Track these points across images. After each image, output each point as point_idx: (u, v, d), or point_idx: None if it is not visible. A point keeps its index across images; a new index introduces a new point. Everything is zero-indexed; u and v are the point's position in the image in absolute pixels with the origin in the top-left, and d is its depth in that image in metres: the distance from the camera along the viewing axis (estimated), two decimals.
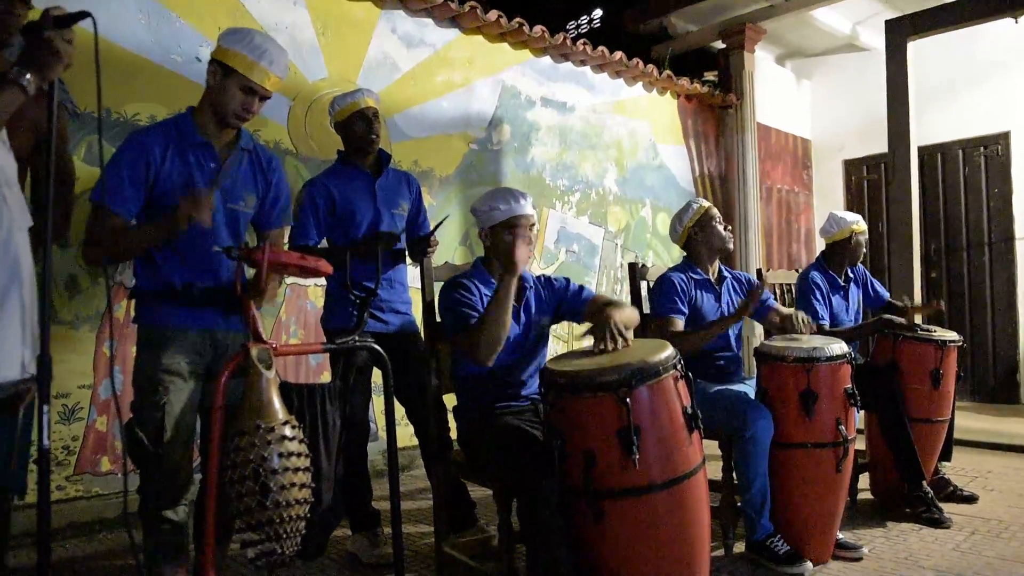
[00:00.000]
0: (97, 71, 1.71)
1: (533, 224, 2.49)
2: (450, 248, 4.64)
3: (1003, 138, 6.50)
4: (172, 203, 2.05)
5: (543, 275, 2.69)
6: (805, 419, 2.75)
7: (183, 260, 2.09)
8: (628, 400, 2.00)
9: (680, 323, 3.03)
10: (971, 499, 3.56)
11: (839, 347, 2.84)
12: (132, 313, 2.20)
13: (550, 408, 2.18)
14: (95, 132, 3.32)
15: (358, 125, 2.97)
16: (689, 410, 2.13)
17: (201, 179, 2.10)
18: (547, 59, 5.40)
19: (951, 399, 3.63)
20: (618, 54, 5.60)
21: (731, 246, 3.25)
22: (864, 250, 3.87)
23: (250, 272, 1.93)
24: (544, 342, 2.63)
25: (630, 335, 2.33)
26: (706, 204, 3.25)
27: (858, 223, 3.82)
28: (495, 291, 2.34)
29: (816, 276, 3.79)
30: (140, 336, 2.11)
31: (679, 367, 2.15)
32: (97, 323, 3.34)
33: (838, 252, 3.84)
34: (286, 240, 3.01)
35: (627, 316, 2.42)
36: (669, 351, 2.15)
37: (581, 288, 2.64)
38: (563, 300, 2.62)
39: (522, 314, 2.54)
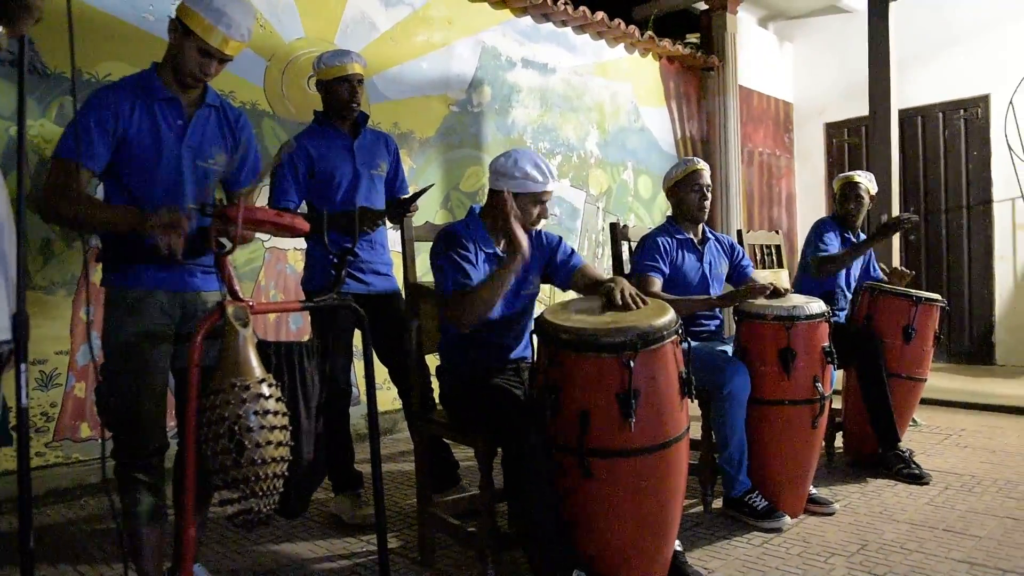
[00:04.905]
0: (70, 29, 1.67)
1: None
2: (431, 210, 4.61)
3: (982, 101, 6.53)
4: (139, 159, 2.01)
5: (534, 230, 2.64)
6: (783, 376, 2.78)
7: (151, 215, 2.05)
8: (632, 363, 2.00)
9: (658, 282, 3.04)
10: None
11: (817, 306, 2.86)
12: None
13: (547, 362, 2.15)
14: (66, 93, 3.26)
15: (342, 89, 2.92)
16: (684, 375, 2.14)
17: (168, 134, 2.06)
18: (528, 19, 5.33)
19: (926, 358, 3.65)
20: (600, 15, 5.54)
21: (701, 216, 3.20)
22: (865, 203, 3.88)
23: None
24: (532, 306, 2.60)
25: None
26: (696, 167, 3.18)
27: (851, 175, 3.93)
28: (502, 269, 2.28)
29: (832, 225, 3.87)
30: (108, 299, 2.07)
31: (679, 332, 2.15)
32: (73, 288, 3.31)
33: (838, 207, 3.93)
34: (262, 203, 2.99)
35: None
36: (671, 315, 2.15)
37: (572, 253, 2.59)
38: (552, 260, 2.57)
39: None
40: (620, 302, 2.23)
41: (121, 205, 2.05)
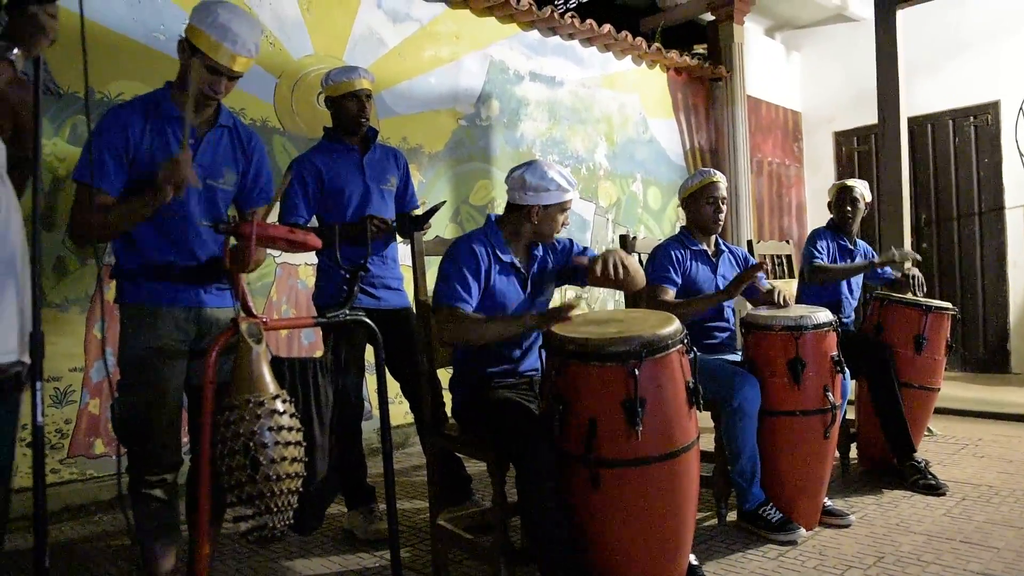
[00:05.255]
0: (83, 49, 1.69)
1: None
2: (441, 225, 4.62)
3: (992, 108, 6.50)
4: (151, 178, 2.03)
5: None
6: (794, 387, 2.76)
7: (163, 238, 2.07)
8: (637, 372, 2.00)
9: (670, 292, 3.04)
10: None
11: (825, 315, 2.86)
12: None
13: (555, 373, 2.16)
14: (79, 112, 3.29)
15: (350, 105, 2.94)
16: (691, 385, 2.14)
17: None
18: (535, 33, 5.36)
19: (939, 368, 3.61)
20: (607, 27, 5.56)
21: (715, 228, 3.19)
22: (860, 208, 3.91)
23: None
24: None
25: (636, 274, 2.38)
26: (711, 180, 3.16)
27: (845, 181, 3.97)
28: (517, 321, 2.31)
29: (825, 233, 3.93)
30: (124, 315, 2.09)
31: (685, 342, 2.16)
32: (87, 305, 3.33)
33: (834, 212, 3.97)
34: (272, 219, 3.01)
35: (632, 262, 2.41)
36: (676, 325, 2.15)
37: (585, 249, 2.61)
38: (568, 262, 2.58)
39: (529, 284, 2.50)
40: (600, 273, 2.28)
41: (128, 198, 2.05)
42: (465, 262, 2.38)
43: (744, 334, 2.93)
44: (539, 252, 2.56)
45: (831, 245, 3.87)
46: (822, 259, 3.79)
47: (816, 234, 3.93)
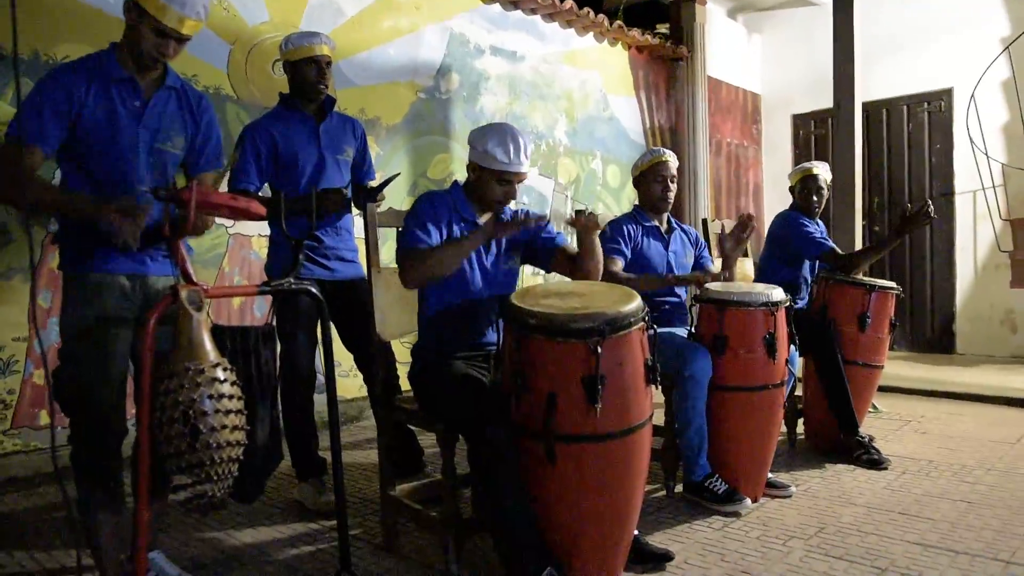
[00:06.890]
0: (12, 9, 1.64)
1: (522, 180, 2.45)
2: (398, 198, 4.58)
3: (946, 95, 6.63)
4: (95, 141, 1.98)
5: (523, 209, 2.61)
6: (770, 361, 2.82)
7: (107, 202, 2.02)
8: (599, 349, 2.00)
9: (619, 263, 3.10)
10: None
11: (780, 292, 2.91)
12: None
13: (515, 347, 2.13)
14: (23, 74, 3.18)
15: (310, 71, 2.89)
16: (650, 362, 2.16)
17: (125, 115, 2.02)
18: (496, 6, 5.31)
19: (882, 346, 3.68)
20: (569, 3, 5.54)
21: (663, 206, 3.24)
22: (824, 194, 3.88)
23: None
24: (512, 289, 2.55)
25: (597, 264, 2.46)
26: (660, 159, 3.21)
27: (809, 168, 3.91)
28: (466, 236, 2.31)
29: (804, 216, 3.86)
30: (67, 283, 2.04)
31: (647, 319, 2.16)
32: (31, 273, 3.24)
33: (800, 200, 3.90)
34: (224, 186, 2.96)
35: (599, 251, 2.47)
36: (637, 302, 2.15)
37: (558, 234, 2.58)
38: (536, 238, 2.55)
39: (493, 245, 2.47)
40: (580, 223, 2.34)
41: (74, 191, 2.01)
42: (423, 212, 2.38)
43: (719, 310, 2.87)
44: (506, 217, 2.53)
45: (809, 222, 3.83)
46: (831, 246, 3.73)
47: (797, 217, 3.82)
